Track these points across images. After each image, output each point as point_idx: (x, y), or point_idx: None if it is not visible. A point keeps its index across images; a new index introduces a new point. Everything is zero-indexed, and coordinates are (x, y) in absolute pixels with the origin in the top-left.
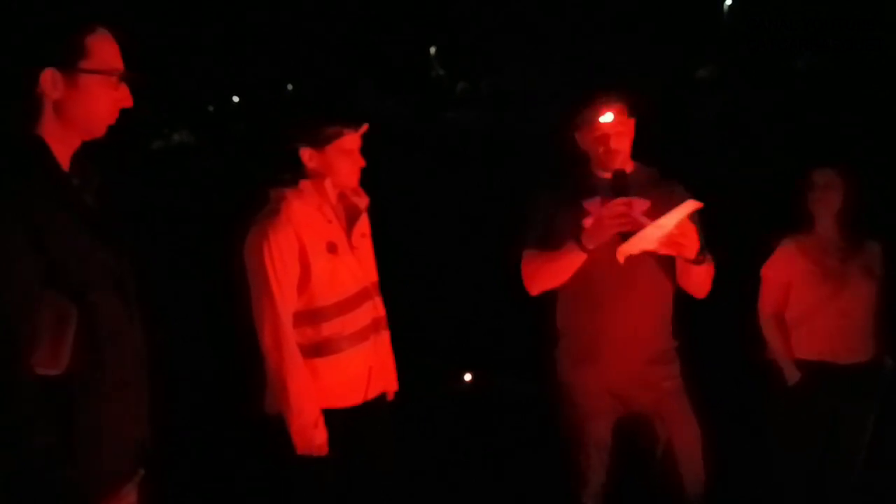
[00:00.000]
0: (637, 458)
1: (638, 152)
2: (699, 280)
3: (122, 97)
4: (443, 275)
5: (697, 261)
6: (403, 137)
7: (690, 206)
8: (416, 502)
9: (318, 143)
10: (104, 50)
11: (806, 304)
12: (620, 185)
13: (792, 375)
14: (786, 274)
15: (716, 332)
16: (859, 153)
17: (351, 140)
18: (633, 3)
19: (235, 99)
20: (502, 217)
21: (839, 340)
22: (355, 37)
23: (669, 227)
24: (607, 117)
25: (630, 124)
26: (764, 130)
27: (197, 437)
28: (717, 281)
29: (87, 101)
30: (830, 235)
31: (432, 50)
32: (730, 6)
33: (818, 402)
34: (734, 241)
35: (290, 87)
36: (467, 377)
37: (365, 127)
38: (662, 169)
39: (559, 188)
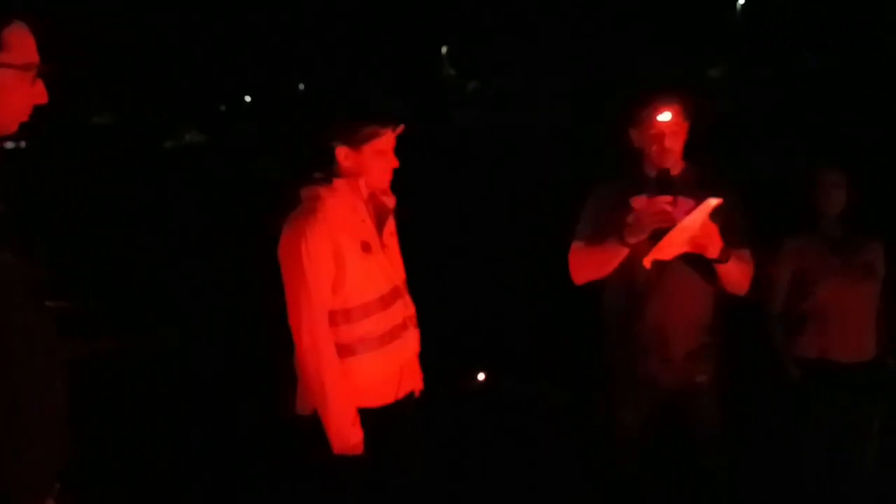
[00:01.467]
0: (665, 448)
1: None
2: (730, 278)
3: (38, 93)
4: (456, 274)
5: (720, 259)
6: (415, 137)
7: (710, 204)
8: (431, 501)
9: (356, 142)
10: (22, 43)
11: (809, 303)
12: (663, 184)
13: (792, 373)
14: (790, 272)
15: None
16: (868, 152)
17: (387, 140)
18: (645, 3)
19: (247, 99)
20: (516, 216)
21: (841, 339)
22: (366, 37)
23: (694, 227)
24: (665, 116)
25: (684, 126)
26: (774, 129)
27: (218, 439)
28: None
29: (2, 97)
30: (833, 234)
31: (443, 50)
32: (742, 6)
33: (820, 401)
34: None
35: (301, 86)
36: (480, 376)
37: (402, 127)
38: (712, 168)
39: (612, 183)
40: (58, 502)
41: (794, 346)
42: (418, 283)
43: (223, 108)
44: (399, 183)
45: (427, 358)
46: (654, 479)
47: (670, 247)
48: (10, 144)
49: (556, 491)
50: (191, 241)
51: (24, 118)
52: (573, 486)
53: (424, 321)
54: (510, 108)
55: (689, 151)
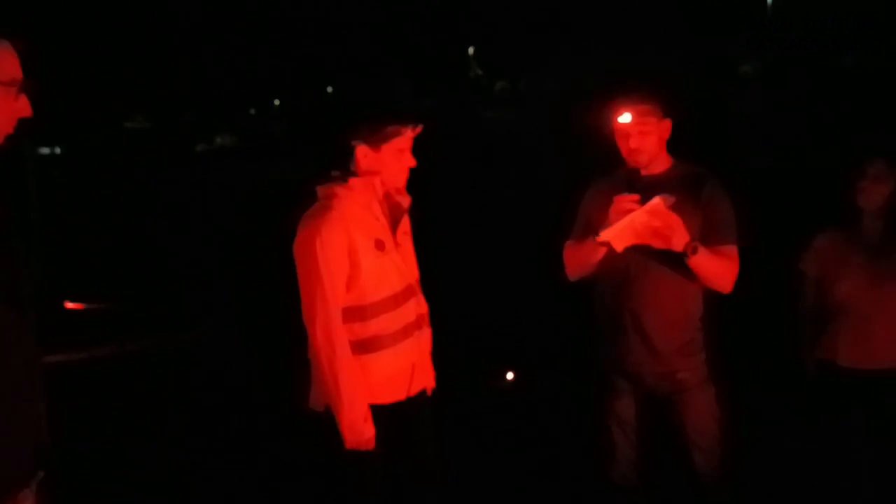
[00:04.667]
0: (668, 439)
1: (677, 148)
2: (705, 273)
3: (22, 107)
4: (484, 272)
5: (686, 252)
6: (443, 136)
7: (653, 203)
8: (457, 501)
9: (376, 140)
10: (5, 61)
11: (838, 302)
12: (634, 183)
13: (809, 375)
14: (817, 269)
15: (756, 327)
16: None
17: (406, 139)
18: (670, 1)
19: (276, 101)
20: (545, 214)
21: (855, 343)
22: (393, 36)
23: (639, 219)
24: (625, 117)
25: (657, 124)
26: (805, 126)
27: (238, 435)
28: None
29: None
30: (871, 232)
31: (470, 50)
32: (773, 1)
33: (831, 409)
34: (776, 235)
35: (329, 89)
36: (509, 375)
37: (420, 127)
38: (704, 165)
39: (601, 182)
40: (40, 491)
41: (815, 347)
42: (459, 281)
43: (252, 111)
44: (426, 181)
45: (456, 357)
46: (654, 476)
47: (621, 231)
48: (45, 150)
49: (596, 489)
50: (217, 241)
51: (9, 130)
52: (593, 483)
53: (453, 321)
54: (536, 107)
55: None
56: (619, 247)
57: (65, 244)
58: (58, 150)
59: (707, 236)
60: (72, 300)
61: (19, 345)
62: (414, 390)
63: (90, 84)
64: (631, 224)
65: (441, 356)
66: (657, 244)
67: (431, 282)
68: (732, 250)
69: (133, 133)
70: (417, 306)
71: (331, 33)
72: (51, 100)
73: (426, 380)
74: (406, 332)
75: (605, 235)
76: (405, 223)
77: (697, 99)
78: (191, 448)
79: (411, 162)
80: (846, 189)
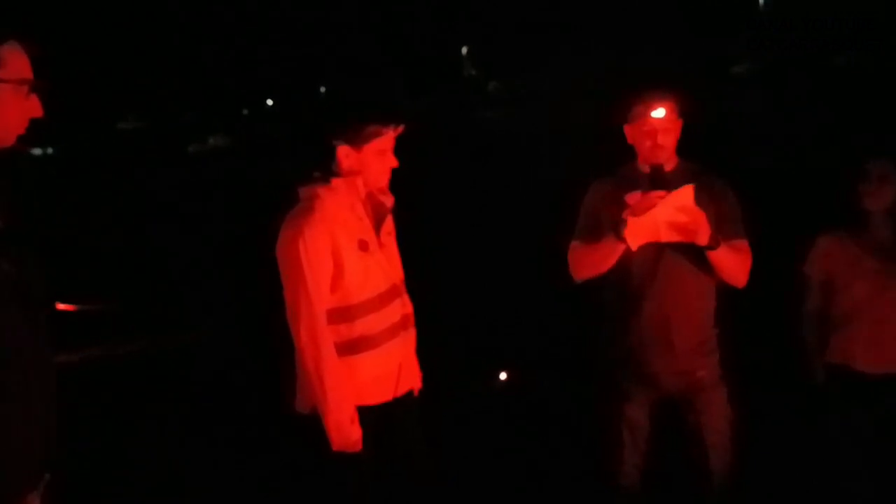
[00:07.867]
0: (673, 444)
1: (680, 147)
2: (724, 267)
3: (33, 107)
4: (478, 272)
5: (710, 246)
6: (443, 136)
7: (685, 189)
8: (457, 501)
9: (358, 140)
10: (16, 60)
11: (851, 306)
12: (658, 180)
13: (817, 378)
14: (823, 271)
15: (759, 325)
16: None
17: (388, 140)
18: (668, 1)
19: (269, 102)
20: (539, 214)
21: (869, 347)
22: (389, 36)
23: (672, 210)
24: (659, 113)
25: (677, 123)
26: (799, 127)
27: (231, 438)
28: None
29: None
30: (878, 234)
31: (464, 50)
32: (765, 1)
33: (849, 415)
34: (777, 235)
35: (322, 89)
36: (502, 376)
37: (402, 127)
38: (704, 164)
39: (606, 181)
40: (46, 494)
41: (824, 350)
42: (452, 281)
43: (245, 111)
44: (426, 181)
45: (455, 357)
46: (662, 477)
47: (646, 226)
48: (37, 151)
49: (590, 490)
50: (216, 241)
51: (21, 131)
52: (592, 484)
53: (451, 321)
54: (535, 107)
55: (699, 147)
56: (634, 245)
57: (58, 244)
58: (49, 151)
59: (720, 231)
60: (63, 301)
61: (33, 347)
62: (401, 391)
63: (83, 84)
64: (653, 220)
65: (440, 357)
66: (679, 239)
67: (430, 282)
68: (745, 244)
69: (126, 133)
70: (402, 306)
71: (325, 33)
72: (44, 100)
73: (413, 380)
74: (392, 332)
75: (631, 229)
76: (389, 223)
77: (698, 99)
78: (190, 448)
79: (393, 162)
80: (850, 191)
